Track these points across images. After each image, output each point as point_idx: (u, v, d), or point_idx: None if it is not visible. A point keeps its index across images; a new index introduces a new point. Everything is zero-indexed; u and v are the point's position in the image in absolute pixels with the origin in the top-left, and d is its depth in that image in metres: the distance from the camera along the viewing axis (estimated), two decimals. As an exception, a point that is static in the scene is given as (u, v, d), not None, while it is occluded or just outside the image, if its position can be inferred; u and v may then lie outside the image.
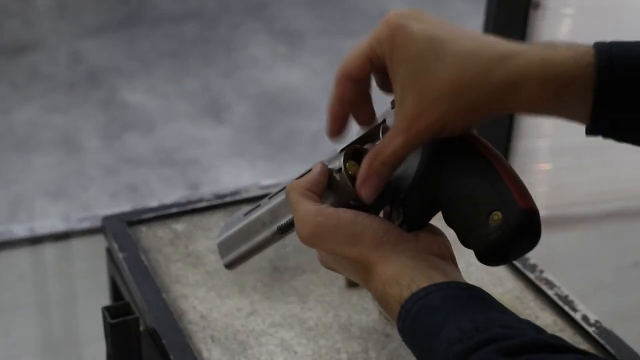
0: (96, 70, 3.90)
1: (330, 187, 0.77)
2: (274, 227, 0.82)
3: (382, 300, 0.70)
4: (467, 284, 0.68)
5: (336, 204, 0.75)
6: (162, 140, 3.44)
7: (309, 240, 0.74)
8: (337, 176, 0.76)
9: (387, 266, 0.70)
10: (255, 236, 0.84)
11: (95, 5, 4.51)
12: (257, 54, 4.13)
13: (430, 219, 0.75)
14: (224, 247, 0.88)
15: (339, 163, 0.76)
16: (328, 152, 0.81)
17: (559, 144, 1.83)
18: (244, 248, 0.86)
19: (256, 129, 3.54)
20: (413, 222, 0.74)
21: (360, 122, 0.76)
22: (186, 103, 3.71)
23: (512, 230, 0.67)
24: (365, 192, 0.73)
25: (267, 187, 1.29)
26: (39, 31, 4.22)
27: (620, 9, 1.75)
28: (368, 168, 0.72)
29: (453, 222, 0.71)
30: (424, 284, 0.67)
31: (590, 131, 0.68)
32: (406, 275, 0.68)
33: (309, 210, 0.74)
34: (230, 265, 0.89)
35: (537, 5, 1.68)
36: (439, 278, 0.68)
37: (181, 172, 3.25)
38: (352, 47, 0.72)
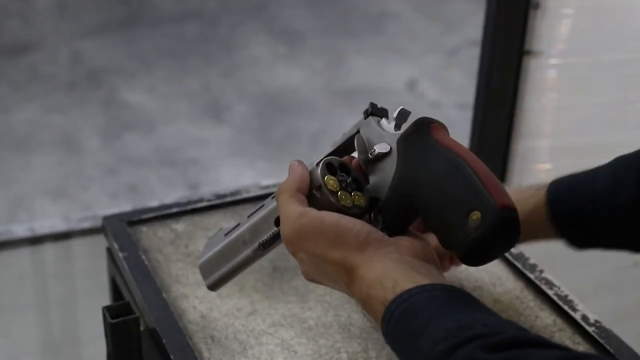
0: (96, 70, 3.90)
1: (311, 202, 0.76)
2: (255, 244, 0.82)
3: (365, 303, 0.70)
4: (451, 286, 0.68)
5: (320, 209, 0.75)
6: (162, 140, 3.44)
7: (292, 242, 0.74)
8: (317, 193, 0.75)
9: (371, 269, 0.70)
10: (236, 255, 0.84)
11: (95, 5, 4.51)
12: (257, 54, 4.13)
13: (409, 225, 0.75)
14: (206, 269, 0.87)
15: (317, 180, 0.76)
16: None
17: (559, 144, 1.82)
18: (226, 268, 0.85)
19: (256, 129, 3.54)
20: (393, 229, 0.74)
21: None
22: (186, 103, 3.71)
23: (491, 228, 0.67)
24: None
25: (267, 187, 1.29)
26: (39, 31, 4.22)
27: (620, 9, 1.75)
28: None
29: (433, 225, 0.72)
30: (407, 286, 0.67)
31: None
32: (390, 278, 0.68)
33: (294, 211, 0.74)
34: (213, 287, 0.88)
35: (537, 5, 1.68)
36: (422, 280, 0.68)
37: (181, 172, 3.25)
38: None
